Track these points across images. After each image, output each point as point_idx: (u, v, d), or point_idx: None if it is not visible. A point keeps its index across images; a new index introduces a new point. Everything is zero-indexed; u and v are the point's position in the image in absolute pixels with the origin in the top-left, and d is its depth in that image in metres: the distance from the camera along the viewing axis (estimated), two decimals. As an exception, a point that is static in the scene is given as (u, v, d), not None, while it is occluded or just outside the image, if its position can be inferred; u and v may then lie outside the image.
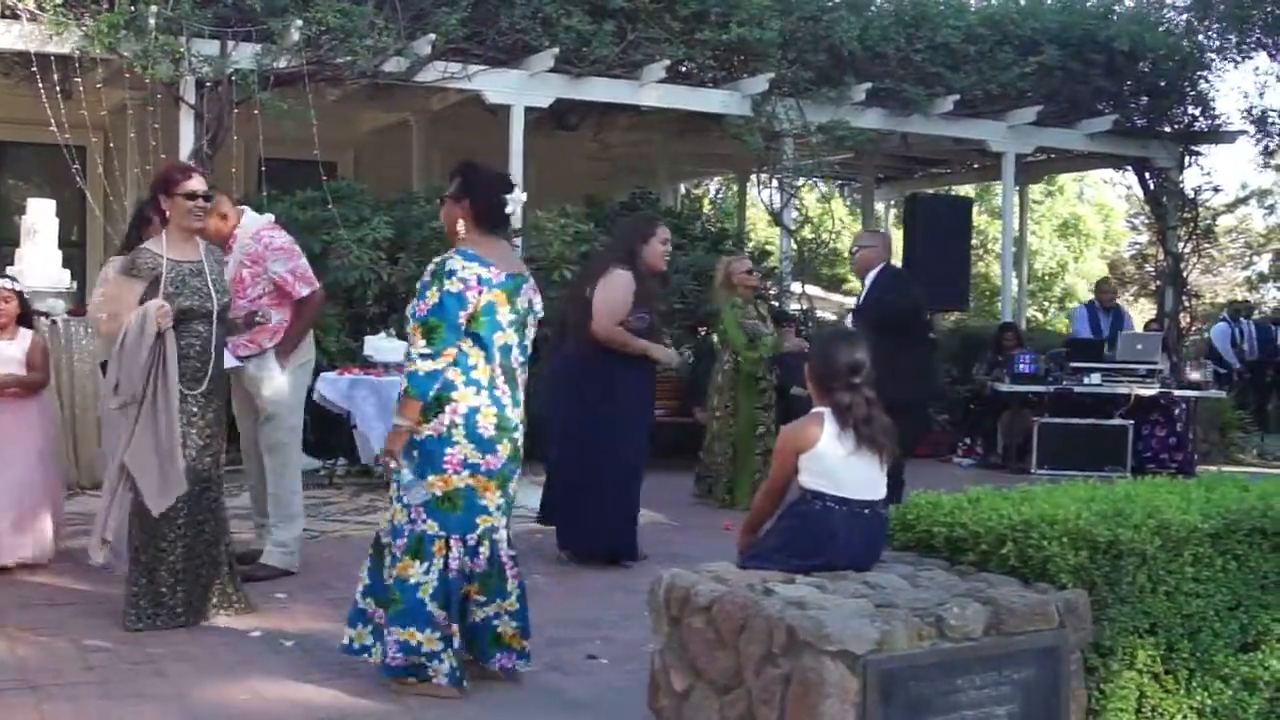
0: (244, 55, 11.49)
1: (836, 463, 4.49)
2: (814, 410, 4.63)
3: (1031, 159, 17.47)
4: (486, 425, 5.14)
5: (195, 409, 6.07)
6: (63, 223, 11.12)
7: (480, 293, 5.14)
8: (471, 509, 5.16)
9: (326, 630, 6.07)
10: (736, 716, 3.94)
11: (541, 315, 5.53)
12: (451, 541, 5.15)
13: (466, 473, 5.13)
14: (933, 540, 4.61)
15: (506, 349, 5.23)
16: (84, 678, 5.32)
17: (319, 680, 5.35)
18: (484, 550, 5.21)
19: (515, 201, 5.38)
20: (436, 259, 5.29)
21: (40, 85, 10.87)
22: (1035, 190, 25.98)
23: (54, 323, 9.77)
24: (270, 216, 7.63)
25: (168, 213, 6.17)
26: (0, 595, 6.58)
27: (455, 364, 5.13)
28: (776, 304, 10.53)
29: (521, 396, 5.32)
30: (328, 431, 10.68)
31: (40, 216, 10.58)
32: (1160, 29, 16.75)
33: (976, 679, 3.86)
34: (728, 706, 3.98)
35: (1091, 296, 15.88)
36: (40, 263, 10.33)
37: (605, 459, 7.70)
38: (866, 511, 4.50)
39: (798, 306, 14.44)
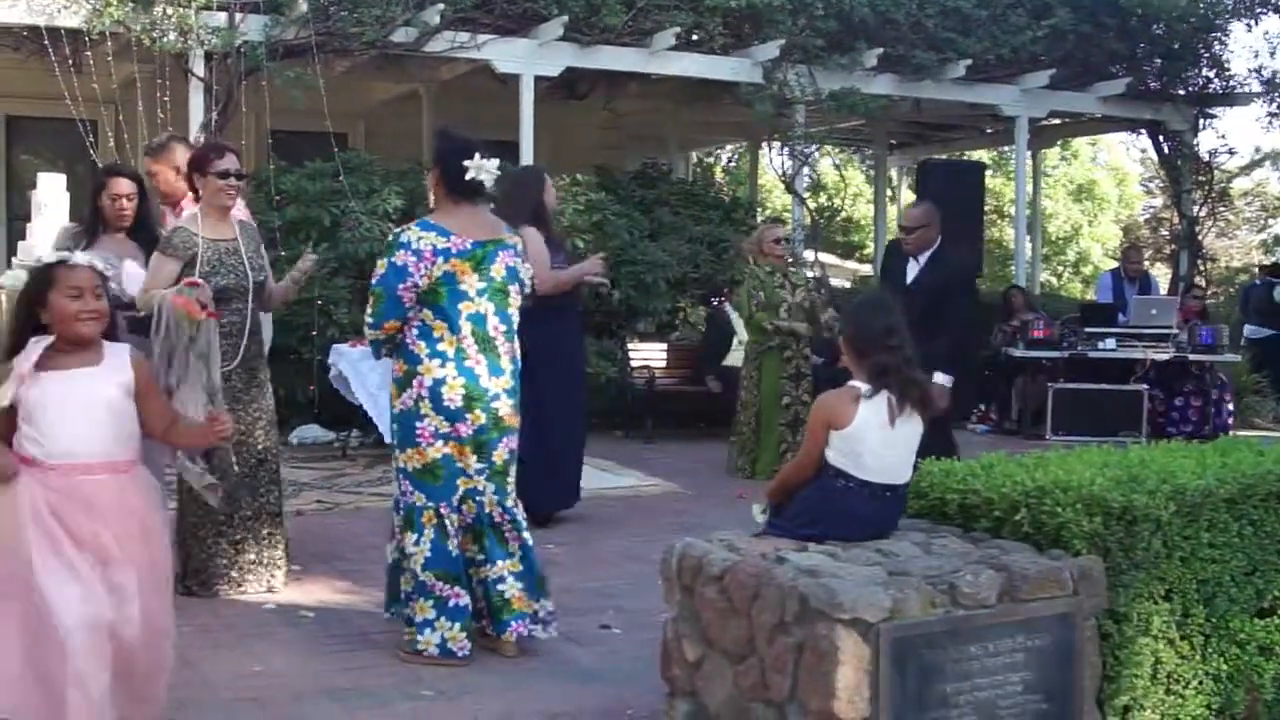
0: (252, 27, 11.49)
1: (866, 446, 4.35)
2: (850, 384, 4.51)
3: (1045, 123, 17.38)
4: (453, 397, 5.14)
5: (240, 385, 6.07)
6: (73, 197, 11.11)
7: (434, 263, 5.11)
8: (453, 475, 5.20)
9: (341, 602, 6.10)
10: (749, 685, 3.93)
11: (529, 285, 5.49)
12: (441, 509, 5.19)
13: (440, 442, 5.17)
14: (946, 507, 4.59)
15: (479, 318, 5.19)
16: (99, 651, 5.34)
17: (334, 651, 5.37)
18: (468, 509, 5.24)
19: (478, 168, 5.23)
20: (395, 229, 5.33)
21: (51, 59, 10.86)
22: (1049, 154, 25.89)
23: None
24: None
25: (201, 191, 6.15)
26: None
27: (420, 337, 5.16)
28: (795, 271, 10.49)
29: (507, 365, 5.27)
30: (340, 404, 10.69)
31: (51, 191, 10.57)
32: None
33: (990, 646, 3.85)
34: (740, 675, 3.98)
35: (1113, 263, 15.77)
36: (51, 237, 10.33)
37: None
38: (888, 494, 4.43)
39: (811, 274, 14.41)
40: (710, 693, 4.11)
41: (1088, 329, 13.08)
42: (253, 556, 6.19)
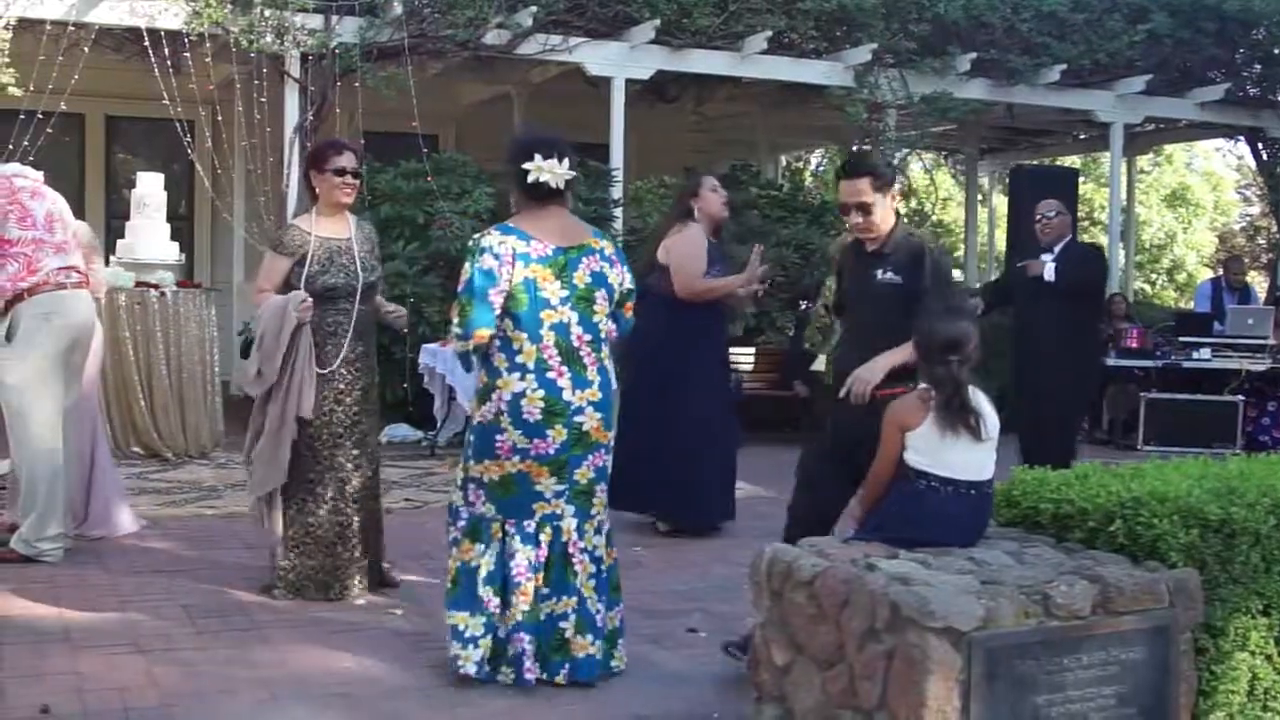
0: (347, 29, 11.63)
1: (940, 442, 4.39)
2: (921, 386, 4.54)
3: (1140, 129, 17.14)
4: (532, 410, 4.85)
5: (342, 385, 6.08)
6: (171, 196, 11.30)
7: (514, 268, 4.84)
8: (527, 495, 4.93)
9: (429, 599, 6.13)
10: (838, 691, 3.92)
11: (630, 288, 5.17)
12: (508, 525, 4.96)
13: (517, 458, 4.88)
14: (1039, 517, 4.54)
15: (562, 327, 4.89)
16: (192, 642, 5.42)
17: (423, 648, 5.41)
18: (545, 538, 4.97)
19: (539, 170, 4.95)
20: (476, 234, 5.08)
21: (151, 60, 11.05)
22: (1143, 160, 25.53)
23: (163, 294, 9.94)
24: (13, 169, 6.91)
25: (317, 188, 6.16)
26: (112, 562, 6.73)
27: (500, 349, 4.90)
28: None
29: (595, 376, 4.96)
30: (429, 402, 10.78)
31: (150, 189, 10.75)
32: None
33: (1083, 658, 3.81)
34: (829, 681, 3.96)
35: (1208, 271, 15.55)
36: (150, 235, 10.52)
37: (662, 425, 7.62)
38: (972, 492, 4.40)
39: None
40: (798, 698, 4.10)
41: (1182, 338, 12.89)
42: (352, 560, 6.19)
